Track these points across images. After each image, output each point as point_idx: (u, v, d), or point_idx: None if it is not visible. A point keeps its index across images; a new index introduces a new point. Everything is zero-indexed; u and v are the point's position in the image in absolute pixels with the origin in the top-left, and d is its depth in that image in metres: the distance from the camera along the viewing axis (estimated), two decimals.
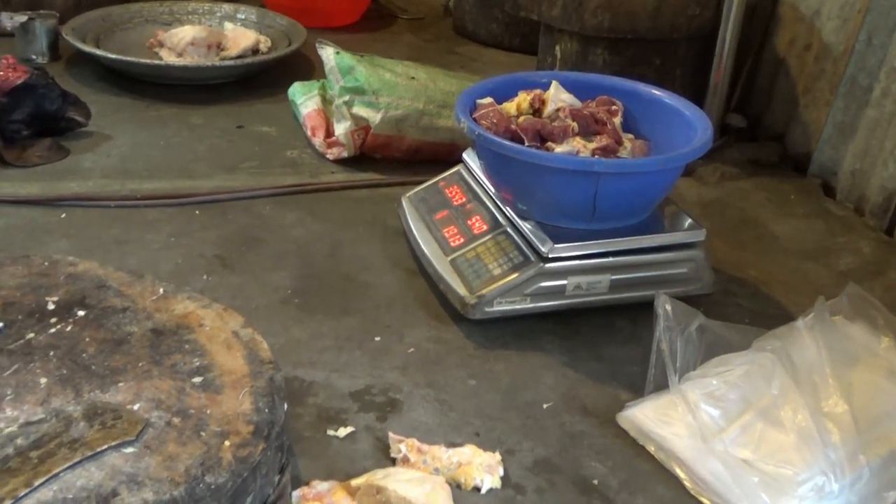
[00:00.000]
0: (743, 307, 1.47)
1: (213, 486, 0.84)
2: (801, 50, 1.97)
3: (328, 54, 1.88)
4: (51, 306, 1.07)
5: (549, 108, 1.45)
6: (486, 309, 1.34)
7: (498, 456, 1.11)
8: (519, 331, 1.37)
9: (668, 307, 1.23)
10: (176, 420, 0.92)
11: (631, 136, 1.46)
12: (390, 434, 1.13)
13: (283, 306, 1.39)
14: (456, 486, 1.08)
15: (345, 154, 1.84)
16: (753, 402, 1.14)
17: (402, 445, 1.10)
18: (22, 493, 0.80)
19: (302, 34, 2.33)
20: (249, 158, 1.85)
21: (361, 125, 1.80)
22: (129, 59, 2.11)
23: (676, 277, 1.40)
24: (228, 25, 2.39)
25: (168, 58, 2.22)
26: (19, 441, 0.86)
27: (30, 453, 0.85)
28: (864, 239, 1.72)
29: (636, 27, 1.90)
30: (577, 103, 1.48)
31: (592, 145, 1.39)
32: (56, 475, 0.83)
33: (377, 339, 1.34)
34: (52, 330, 1.03)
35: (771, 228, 1.74)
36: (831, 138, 1.89)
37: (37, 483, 0.82)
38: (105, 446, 0.86)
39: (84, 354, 0.99)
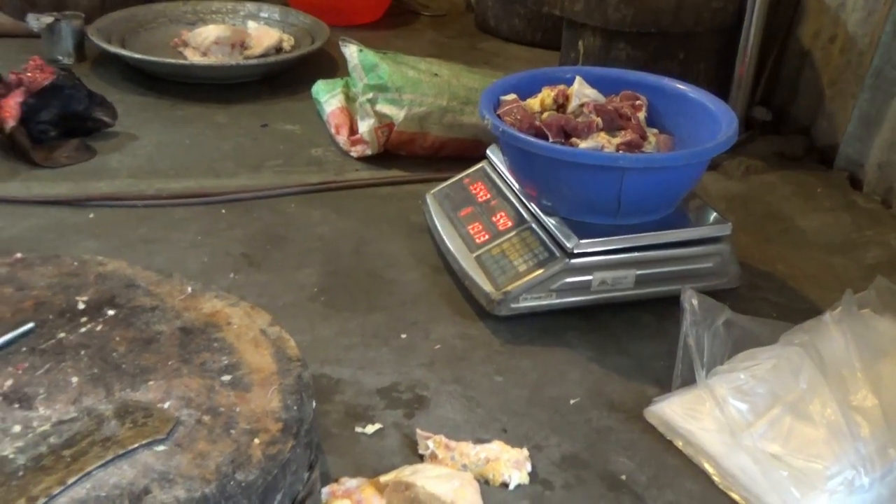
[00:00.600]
0: (770, 301, 1.47)
1: (243, 484, 0.85)
2: (827, 42, 1.96)
3: (351, 52, 1.89)
4: (81, 306, 1.08)
5: (573, 104, 1.45)
6: (512, 305, 1.34)
7: (525, 452, 1.11)
8: (544, 327, 1.37)
9: (695, 302, 1.22)
10: (206, 418, 0.92)
11: (655, 130, 1.45)
12: (418, 431, 1.13)
13: (309, 304, 1.40)
14: (484, 482, 1.08)
15: (369, 151, 1.84)
16: (782, 397, 1.14)
17: (430, 442, 1.11)
18: (56, 492, 0.81)
19: (325, 32, 2.33)
20: (274, 157, 1.86)
21: (385, 122, 1.80)
22: (153, 58, 2.13)
23: (702, 272, 1.40)
24: (252, 24, 2.40)
25: (192, 57, 2.23)
26: (52, 440, 0.87)
27: (63, 452, 0.86)
28: (892, 232, 1.70)
29: (659, 21, 1.89)
30: (601, 98, 1.47)
31: (617, 140, 1.38)
32: (89, 473, 0.84)
33: (403, 335, 1.34)
34: (83, 329, 1.04)
35: (797, 222, 1.73)
36: (857, 130, 1.88)
37: (70, 481, 0.83)
38: (136, 444, 0.87)
39: (114, 353, 1.00)
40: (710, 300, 1.24)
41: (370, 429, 1.15)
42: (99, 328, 1.04)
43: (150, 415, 0.90)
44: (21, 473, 0.83)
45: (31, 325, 1.03)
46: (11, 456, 0.85)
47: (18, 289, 1.10)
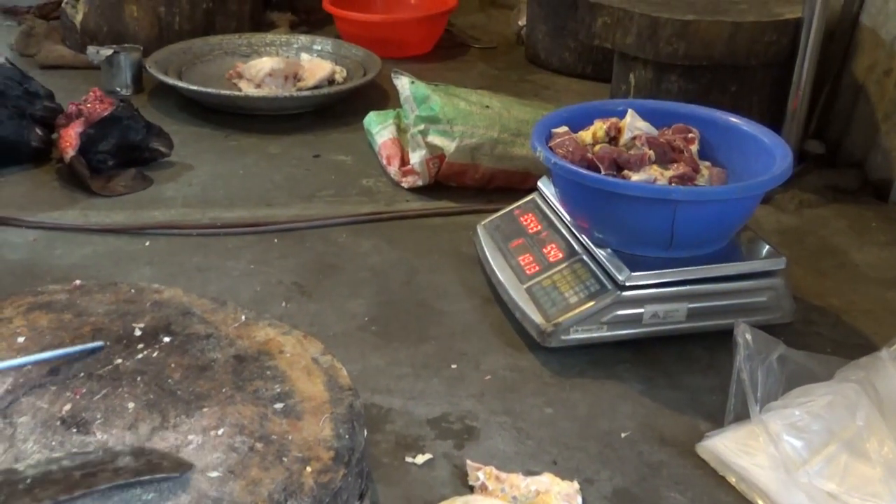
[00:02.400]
0: (824, 336, 1.45)
1: None
2: (881, 75, 1.94)
3: (403, 84, 1.91)
4: (137, 332, 1.10)
5: (625, 137, 1.44)
6: (563, 337, 1.34)
7: (576, 485, 1.10)
8: (595, 359, 1.36)
9: (749, 336, 1.21)
10: (258, 445, 0.93)
11: (708, 163, 1.45)
12: (468, 462, 1.13)
13: (360, 333, 1.41)
14: None
15: (419, 182, 1.85)
16: (837, 434, 1.12)
17: (481, 473, 1.10)
18: (62, 498, 0.82)
19: (377, 64, 2.36)
20: (326, 187, 1.88)
21: (436, 154, 1.82)
22: (209, 90, 2.17)
23: (756, 306, 1.38)
24: (305, 56, 2.43)
25: (247, 89, 2.26)
26: (65, 462, 0.88)
27: (73, 472, 0.86)
28: None
29: (711, 54, 1.89)
30: (654, 131, 1.47)
31: (669, 173, 1.38)
32: (96, 491, 0.84)
33: (454, 366, 1.34)
34: (140, 356, 1.06)
35: (852, 256, 1.70)
36: None
37: (77, 493, 0.83)
38: (148, 476, 0.86)
39: (170, 380, 1.02)
40: (763, 335, 1.23)
41: (420, 459, 1.15)
42: (155, 355, 1.06)
43: (165, 457, 0.90)
44: (28, 481, 0.84)
45: (100, 343, 1.05)
46: (21, 468, 0.87)
47: (77, 315, 1.13)
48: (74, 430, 0.93)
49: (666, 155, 1.41)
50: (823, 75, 2.00)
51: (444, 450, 1.18)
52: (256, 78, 2.28)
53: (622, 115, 1.49)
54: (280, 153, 2.03)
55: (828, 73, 2.02)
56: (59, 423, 0.94)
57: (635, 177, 1.37)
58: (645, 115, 1.49)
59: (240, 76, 2.32)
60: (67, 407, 0.96)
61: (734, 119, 1.48)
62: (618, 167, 1.39)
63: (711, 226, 1.36)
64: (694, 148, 1.44)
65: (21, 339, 1.07)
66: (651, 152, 1.40)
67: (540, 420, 1.24)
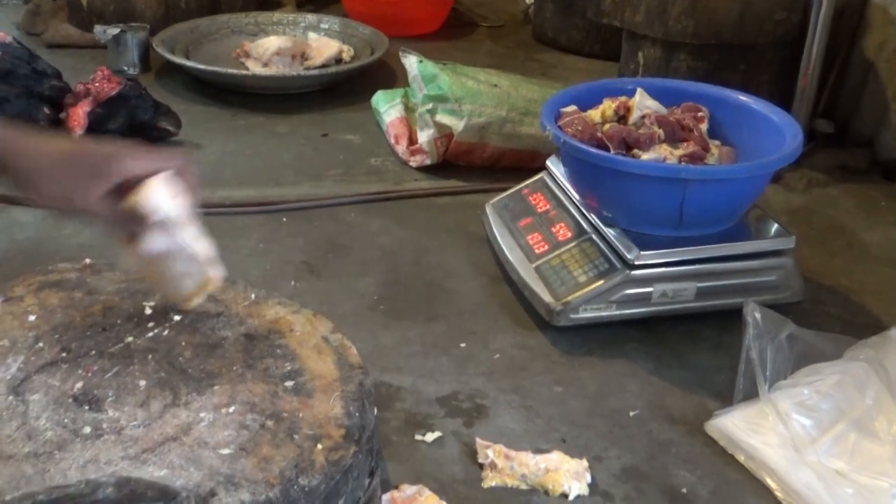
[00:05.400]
0: (833, 316, 1.45)
1: (306, 489, 0.86)
2: (891, 54, 1.93)
3: (411, 62, 1.90)
4: (148, 311, 1.10)
5: (634, 116, 1.44)
6: (572, 316, 1.34)
7: (585, 463, 1.11)
8: (604, 338, 1.36)
9: (758, 315, 1.21)
10: (269, 423, 0.93)
11: (718, 142, 1.44)
12: (477, 440, 1.14)
13: (369, 312, 1.41)
14: (543, 493, 1.08)
15: (428, 161, 1.85)
16: (846, 413, 1.12)
17: (490, 451, 1.11)
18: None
19: (384, 43, 2.35)
20: (334, 166, 1.88)
21: (444, 133, 1.81)
22: (216, 69, 2.16)
23: (764, 285, 1.38)
24: (312, 35, 2.43)
25: (254, 68, 2.26)
26: (41, 498, 0.84)
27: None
28: None
29: (721, 33, 1.88)
30: (663, 110, 1.47)
31: (679, 152, 1.38)
32: None
33: (462, 345, 1.34)
34: (150, 334, 1.06)
35: (861, 236, 1.70)
36: None
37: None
38: None
39: (181, 358, 1.02)
40: (773, 313, 1.23)
41: (430, 437, 1.16)
42: (165, 333, 1.06)
43: (151, 486, 0.86)
44: None
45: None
46: None
47: (88, 293, 1.13)
48: (87, 408, 0.93)
49: (675, 134, 1.41)
50: (833, 54, 1.99)
51: (454, 428, 1.18)
52: (263, 57, 2.27)
53: (631, 93, 1.48)
54: (288, 132, 2.03)
55: (837, 51, 2.01)
56: (71, 400, 0.94)
57: (645, 156, 1.37)
58: (654, 93, 1.49)
59: (247, 55, 2.32)
60: (79, 384, 0.97)
61: (744, 98, 1.48)
62: (627, 146, 1.39)
63: (721, 205, 1.35)
64: (704, 127, 1.44)
65: (32, 318, 1.07)
66: (661, 131, 1.40)
67: (549, 398, 1.24)
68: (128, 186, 0.96)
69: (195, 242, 1.00)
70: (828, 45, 1.88)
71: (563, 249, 1.41)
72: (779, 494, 1.09)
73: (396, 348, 1.33)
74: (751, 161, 1.38)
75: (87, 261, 1.20)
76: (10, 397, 0.94)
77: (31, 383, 0.97)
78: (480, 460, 1.11)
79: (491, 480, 1.09)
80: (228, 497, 0.84)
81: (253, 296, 1.15)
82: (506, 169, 1.84)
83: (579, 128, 1.39)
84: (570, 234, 1.43)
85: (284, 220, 1.66)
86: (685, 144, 1.39)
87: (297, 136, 2.01)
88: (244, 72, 2.21)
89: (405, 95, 2.00)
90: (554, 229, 1.45)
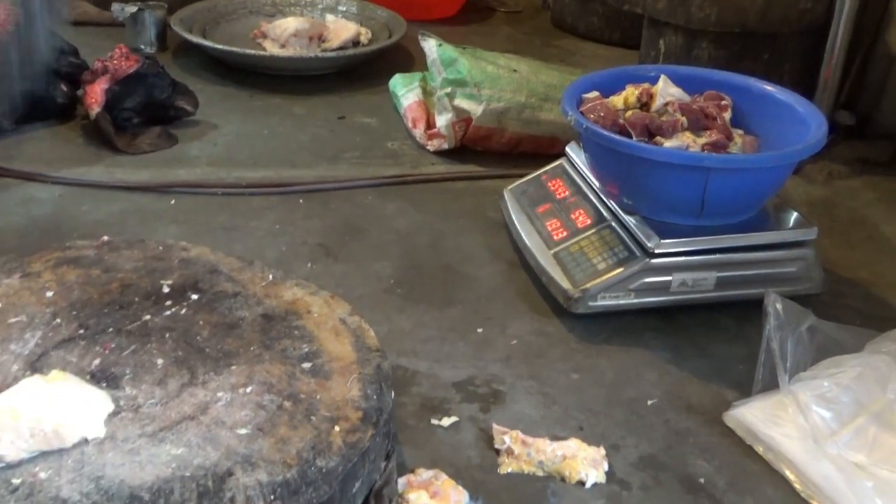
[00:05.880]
0: (853, 308, 1.43)
1: (324, 470, 0.85)
2: None
3: (430, 46, 1.89)
4: (165, 289, 1.09)
5: (657, 103, 1.43)
6: (590, 303, 1.33)
7: (602, 451, 1.10)
8: (622, 326, 1.35)
9: (779, 306, 1.20)
10: (287, 404, 0.93)
11: (741, 131, 1.43)
12: (494, 425, 1.13)
13: (385, 295, 1.40)
14: (560, 480, 1.07)
15: (445, 146, 1.84)
16: (867, 406, 1.11)
17: (507, 437, 1.10)
18: None
19: (402, 26, 2.34)
20: (351, 149, 1.87)
21: (463, 117, 1.80)
22: (234, 49, 2.15)
23: (785, 276, 1.37)
24: (330, 17, 2.41)
25: (271, 49, 2.25)
26: None
27: None
28: None
29: (744, 21, 1.86)
30: (686, 98, 1.45)
31: (702, 140, 1.36)
32: None
33: (479, 330, 1.34)
34: (168, 312, 1.05)
35: (882, 229, 1.69)
36: None
37: None
38: None
39: (198, 337, 1.02)
40: (794, 305, 1.22)
41: (446, 421, 1.15)
42: (183, 312, 1.06)
43: None
44: None
45: None
46: None
47: (105, 270, 1.12)
48: (104, 385, 0.93)
49: (698, 122, 1.39)
50: (856, 45, 1.96)
51: (470, 413, 1.17)
52: (281, 38, 2.26)
53: (654, 80, 1.47)
54: (305, 114, 2.02)
55: (861, 43, 1.99)
56: (88, 377, 0.94)
57: (667, 143, 1.35)
58: (677, 81, 1.47)
59: (264, 36, 2.31)
60: (97, 361, 0.96)
61: (768, 87, 1.46)
62: (650, 133, 1.37)
63: (743, 194, 1.34)
64: (727, 115, 1.42)
65: (50, 294, 1.06)
66: (683, 119, 1.38)
67: (566, 385, 1.23)
68: None
69: None
70: (851, 36, 1.86)
71: (582, 236, 1.40)
72: (797, 486, 1.08)
73: (413, 332, 1.32)
74: (774, 150, 1.36)
75: (105, 238, 1.20)
76: (28, 373, 0.94)
77: (49, 359, 0.97)
78: (497, 446, 1.11)
79: (507, 466, 1.08)
80: (246, 477, 0.83)
81: (270, 276, 1.15)
82: (523, 155, 1.83)
83: (601, 114, 1.38)
84: (589, 221, 1.42)
85: (301, 201, 1.65)
86: (708, 133, 1.38)
87: (314, 118, 2.00)
88: (261, 52, 2.20)
89: (423, 79, 1.99)
90: (573, 216, 1.44)
